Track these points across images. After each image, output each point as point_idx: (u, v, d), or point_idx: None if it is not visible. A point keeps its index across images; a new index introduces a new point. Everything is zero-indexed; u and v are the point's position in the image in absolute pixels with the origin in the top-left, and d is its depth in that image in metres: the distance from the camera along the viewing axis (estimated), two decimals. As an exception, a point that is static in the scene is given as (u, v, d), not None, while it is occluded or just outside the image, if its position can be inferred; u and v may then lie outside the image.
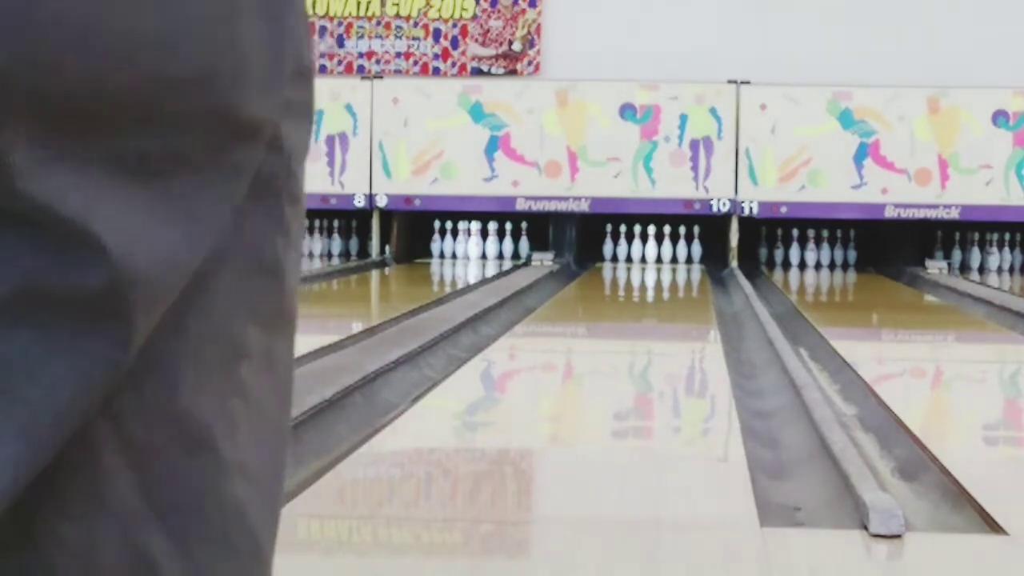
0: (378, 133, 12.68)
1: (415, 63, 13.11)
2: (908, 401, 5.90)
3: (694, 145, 12.49)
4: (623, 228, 12.96)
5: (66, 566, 0.83)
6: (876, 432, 4.88)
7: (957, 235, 12.94)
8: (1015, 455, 4.96)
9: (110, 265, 0.80)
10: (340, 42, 13.15)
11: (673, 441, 5.03)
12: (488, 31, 13.06)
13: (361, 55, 13.14)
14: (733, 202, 12.44)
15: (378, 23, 13.13)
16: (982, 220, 12.53)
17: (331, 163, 12.71)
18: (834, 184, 12.36)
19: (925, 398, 6.33)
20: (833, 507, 3.72)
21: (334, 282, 11.27)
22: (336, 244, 13.27)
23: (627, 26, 12.75)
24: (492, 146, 12.60)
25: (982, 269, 12.76)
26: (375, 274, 12.06)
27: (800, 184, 12.41)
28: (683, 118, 12.50)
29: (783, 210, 12.47)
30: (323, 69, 13.14)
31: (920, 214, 12.37)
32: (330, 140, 12.72)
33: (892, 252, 12.74)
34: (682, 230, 12.94)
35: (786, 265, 12.98)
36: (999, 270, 12.76)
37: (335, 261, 12.95)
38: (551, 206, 12.56)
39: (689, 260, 12.89)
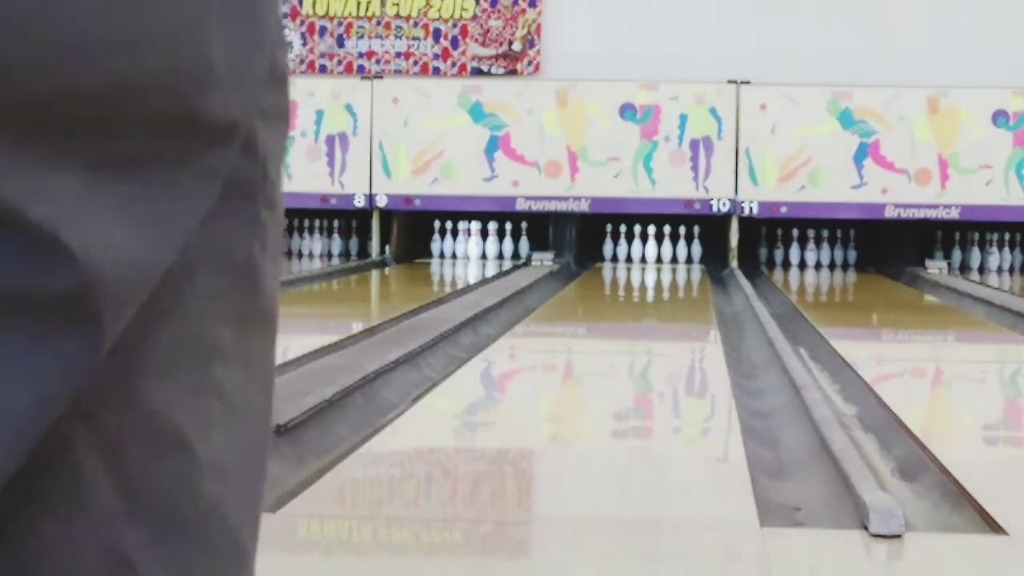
0: (378, 133, 12.68)
1: (415, 63, 13.11)
2: (908, 401, 5.90)
3: (694, 145, 12.49)
4: (623, 228, 12.96)
5: (45, 567, 0.84)
6: (876, 432, 4.88)
7: (957, 235, 12.94)
8: (1015, 455, 4.96)
9: (77, 269, 0.80)
10: (340, 42, 13.16)
11: (673, 441, 5.03)
12: (488, 31, 13.06)
13: (361, 55, 13.14)
14: (733, 202, 12.44)
15: (378, 23, 13.13)
16: (982, 220, 12.53)
17: (331, 163, 12.71)
18: (834, 184, 12.36)
19: (925, 398, 6.33)
20: (833, 507, 3.72)
21: (334, 282, 11.28)
22: (336, 244, 13.27)
23: (627, 26, 12.75)
24: (492, 146, 12.60)
25: (982, 269, 12.76)
26: (375, 274, 12.07)
27: (800, 184, 12.41)
28: (683, 118, 12.50)
29: (783, 210, 12.47)
30: (323, 69, 13.15)
31: (920, 214, 12.37)
32: (330, 140, 12.72)
33: (892, 252, 12.74)
34: (682, 230, 12.94)
35: (786, 265, 12.98)
36: (999, 270, 12.76)
37: (335, 261, 12.95)
38: (551, 206, 12.56)
39: (689, 260, 12.89)
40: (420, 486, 4.10)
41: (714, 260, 12.64)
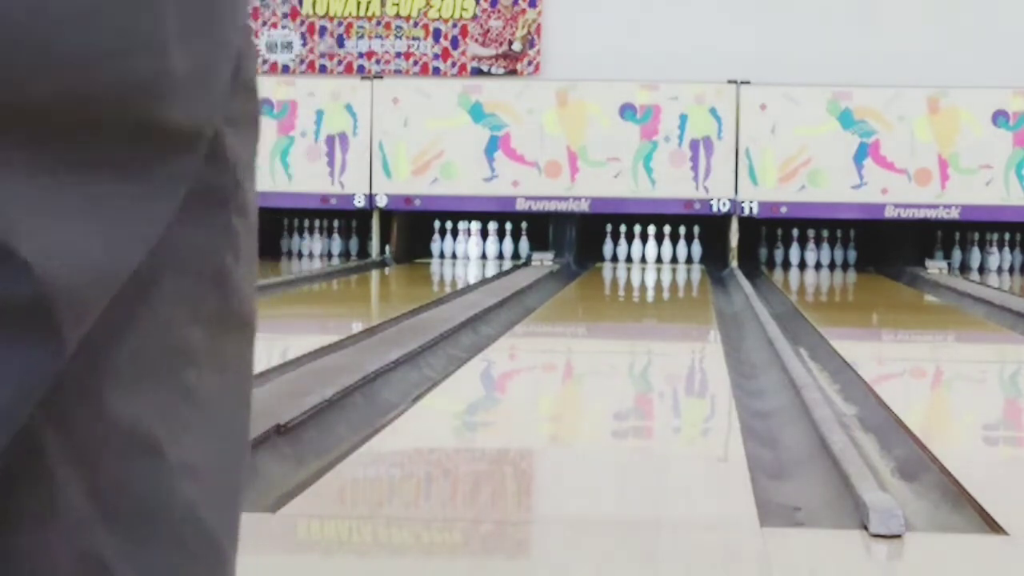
0: (378, 133, 12.68)
1: (415, 63, 13.11)
2: (908, 401, 5.90)
3: (694, 145, 12.49)
4: (623, 228, 12.96)
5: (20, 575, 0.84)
6: (876, 432, 4.88)
7: (957, 235, 12.94)
8: (1015, 455, 4.96)
9: (33, 278, 0.81)
10: (340, 42, 13.16)
11: (673, 441, 5.03)
12: (488, 31, 13.06)
13: (361, 55, 13.14)
14: (733, 202, 12.44)
15: (378, 23, 13.13)
16: (982, 220, 12.53)
17: (331, 163, 12.71)
18: (834, 184, 12.36)
19: (925, 398, 6.33)
20: (833, 507, 3.72)
21: (334, 282, 11.28)
22: (336, 244, 13.27)
23: (627, 26, 12.75)
24: (492, 146, 12.60)
25: (982, 269, 12.76)
26: (375, 274, 12.07)
27: (800, 184, 12.41)
28: (683, 118, 12.50)
29: (783, 210, 12.47)
30: (323, 69, 13.15)
31: (920, 214, 12.37)
32: (330, 140, 12.72)
33: (892, 252, 12.75)
34: (682, 230, 12.94)
35: (786, 265, 12.98)
36: (999, 270, 12.76)
37: (335, 261, 12.96)
38: (551, 206, 12.56)
39: (689, 260, 12.89)
40: (420, 486, 4.10)
41: (714, 260, 12.64)
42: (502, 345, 7.09)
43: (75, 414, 0.85)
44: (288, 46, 13.16)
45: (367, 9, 13.14)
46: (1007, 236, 12.82)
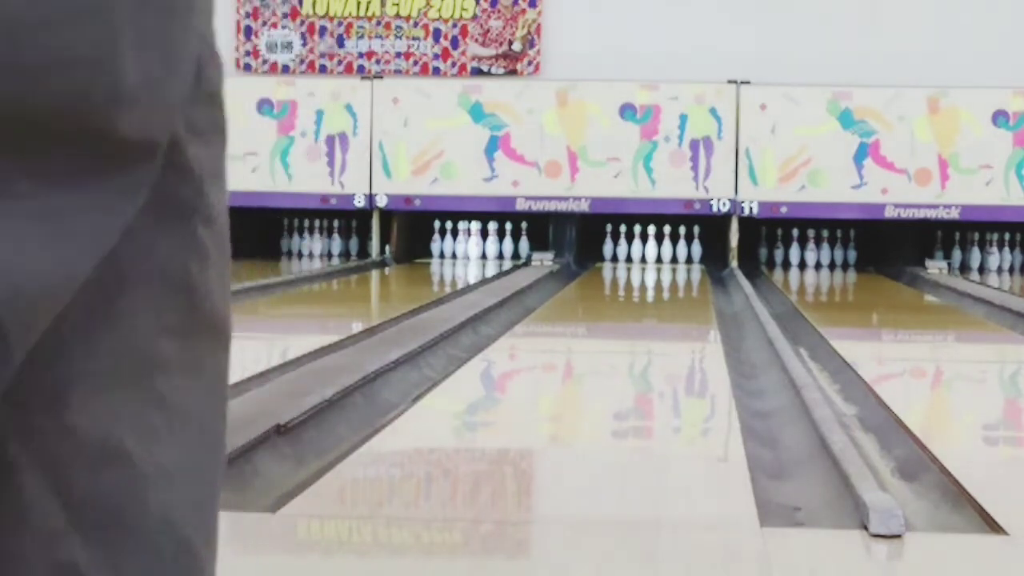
0: (378, 133, 12.68)
1: (415, 63, 13.11)
2: (908, 401, 5.90)
3: (694, 145, 12.49)
4: (623, 228, 12.96)
5: None
6: (876, 432, 4.88)
7: (957, 235, 12.94)
8: (1015, 455, 4.96)
9: None
10: (340, 42, 13.16)
11: (673, 441, 5.03)
12: (488, 31, 13.06)
13: (361, 55, 13.14)
14: (733, 202, 12.44)
15: (378, 23, 13.13)
16: (982, 220, 12.53)
17: (331, 163, 12.71)
18: (834, 184, 12.36)
19: (925, 398, 6.33)
20: (833, 507, 3.72)
21: (334, 282, 11.28)
22: (336, 244, 13.27)
23: (627, 26, 12.75)
24: (492, 146, 12.60)
25: (982, 269, 12.76)
26: (375, 274, 12.06)
27: (800, 184, 12.41)
28: (683, 118, 12.50)
29: (783, 210, 12.47)
30: (323, 69, 13.15)
31: (920, 214, 12.37)
32: (330, 140, 12.72)
33: (892, 252, 12.74)
34: (682, 230, 12.94)
35: (786, 265, 12.98)
36: (999, 270, 12.76)
37: (335, 261, 12.96)
38: (551, 206, 12.56)
39: (689, 260, 12.89)
40: (420, 486, 4.10)
41: (714, 260, 12.64)
42: (502, 345, 7.09)
43: (42, 426, 0.85)
44: (288, 46, 13.16)
45: (367, 9, 13.13)
46: (1007, 236, 12.82)
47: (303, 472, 4.11)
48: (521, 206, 12.58)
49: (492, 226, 12.93)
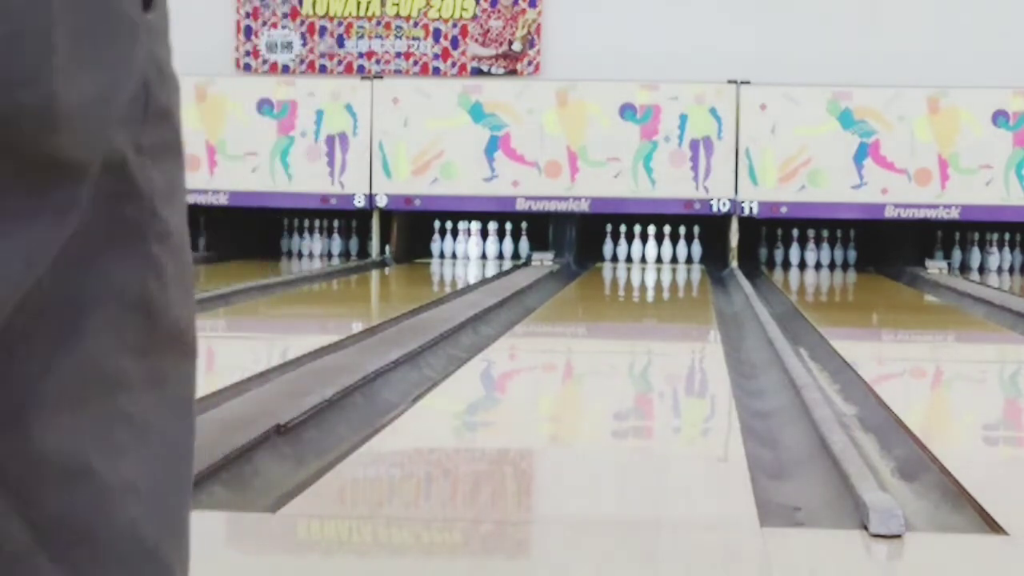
0: (378, 133, 12.68)
1: (415, 63, 13.11)
2: (908, 401, 5.90)
3: (694, 145, 12.49)
4: (623, 228, 12.96)
5: None
6: (876, 432, 4.88)
7: (957, 235, 12.94)
8: (1015, 455, 4.96)
9: None
10: (340, 42, 13.15)
11: (673, 441, 5.03)
12: (488, 31, 13.06)
13: (361, 55, 13.14)
14: (733, 202, 12.44)
15: (378, 23, 13.13)
16: (982, 220, 12.53)
17: (331, 163, 12.71)
18: (834, 184, 12.36)
19: (925, 398, 6.33)
20: (833, 507, 3.72)
21: (334, 282, 11.28)
22: (336, 244, 13.27)
23: (627, 26, 12.75)
24: (492, 146, 12.60)
25: (982, 269, 12.76)
26: (375, 274, 12.06)
27: (800, 184, 12.41)
28: (683, 118, 12.50)
29: (783, 210, 12.47)
30: (323, 69, 13.15)
31: (920, 214, 12.37)
32: (330, 140, 12.72)
33: (892, 252, 12.74)
34: (682, 230, 12.94)
35: (786, 265, 12.98)
36: (999, 270, 12.76)
37: (335, 261, 12.95)
38: (551, 206, 12.56)
39: (689, 260, 12.89)
40: (420, 486, 4.10)
41: (714, 260, 12.64)
42: (502, 345, 7.09)
43: (5, 448, 0.86)
44: (288, 46, 13.16)
45: (367, 9, 13.13)
46: (1007, 236, 12.82)
47: (303, 472, 4.12)
48: (521, 206, 12.58)
49: (492, 226, 12.93)
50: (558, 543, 3.38)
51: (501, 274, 11.49)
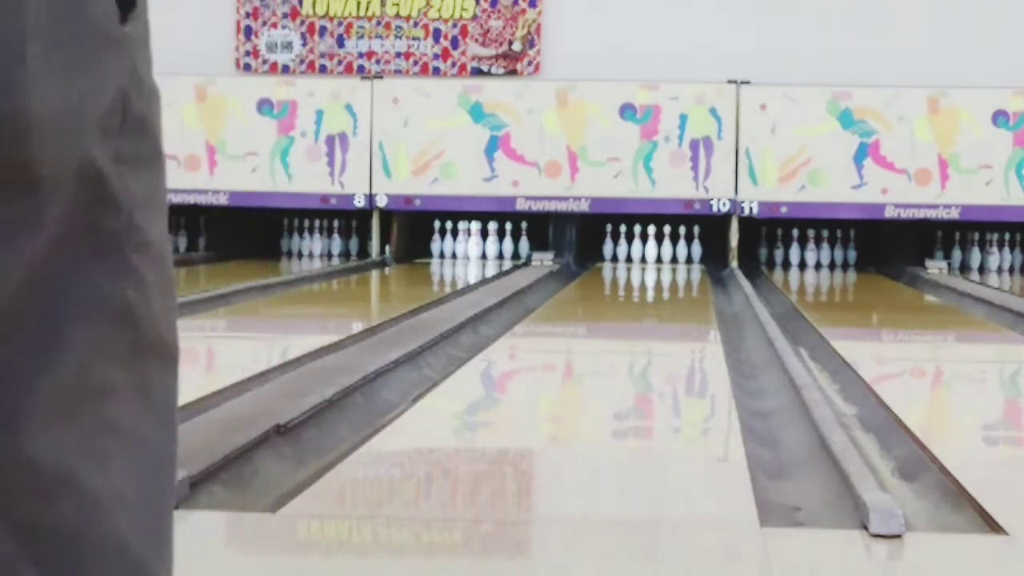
0: (378, 133, 12.68)
1: (415, 63, 13.11)
2: (908, 401, 5.90)
3: (694, 145, 12.49)
4: (623, 228, 12.96)
5: None
6: (876, 432, 4.88)
7: (957, 235, 12.94)
8: (1015, 455, 4.96)
9: None
10: (340, 42, 13.15)
11: (673, 441, 5.03)
12: (488, 31, 13.06)
13: (361, 55, 13.14)
14: (733, 202, 12.44)
15: (378, 23, 13.13)
16: (982, 220, 12.53)
17: (331, 163, 12.71)
18: (834, 184, 12.36)
19: (925, 398, 6.33)
20: (833, 507, 3.72)
21: (334, 282, 11.28)
22: (336, 244, 13.27)
23: (627, 26, 12.75)
24: (492, 146, 12.60)
25: (982, 269, 12.76)
26: (375, 274, 12.06)
27: (800, 184, 12.41)
28: (683, 118, 12.50)
29: (783, 210, 12.47)
30: (323, 69, 13.15)
31: (920, 214, 12.37)
32: (330, 140, 12.72)
33: (892, 252, 12.74)
34: (682, 230, 12.94)
35: (786, 265, 12.98)
36: (999, 270, 12.76)
37: (335, 261, 12.96)
38: (551, 206, 12.56)
39: (689, 260, 12.89)
40: (420, 486, 4.10)
41: (714, 260, 12.64)
42: (502, 345, 7.09)
43: None
44: (288, 46, 13.16)
45: (367, 9, 13.13)
46: (1007, 236, 12.82)
47: (303, 472, 4.12)
48: (521, 206, 12.58)
49: (492, 226, 12.93)
50: (558, 543, 3.38)
51: (501, 274, 11.49)
